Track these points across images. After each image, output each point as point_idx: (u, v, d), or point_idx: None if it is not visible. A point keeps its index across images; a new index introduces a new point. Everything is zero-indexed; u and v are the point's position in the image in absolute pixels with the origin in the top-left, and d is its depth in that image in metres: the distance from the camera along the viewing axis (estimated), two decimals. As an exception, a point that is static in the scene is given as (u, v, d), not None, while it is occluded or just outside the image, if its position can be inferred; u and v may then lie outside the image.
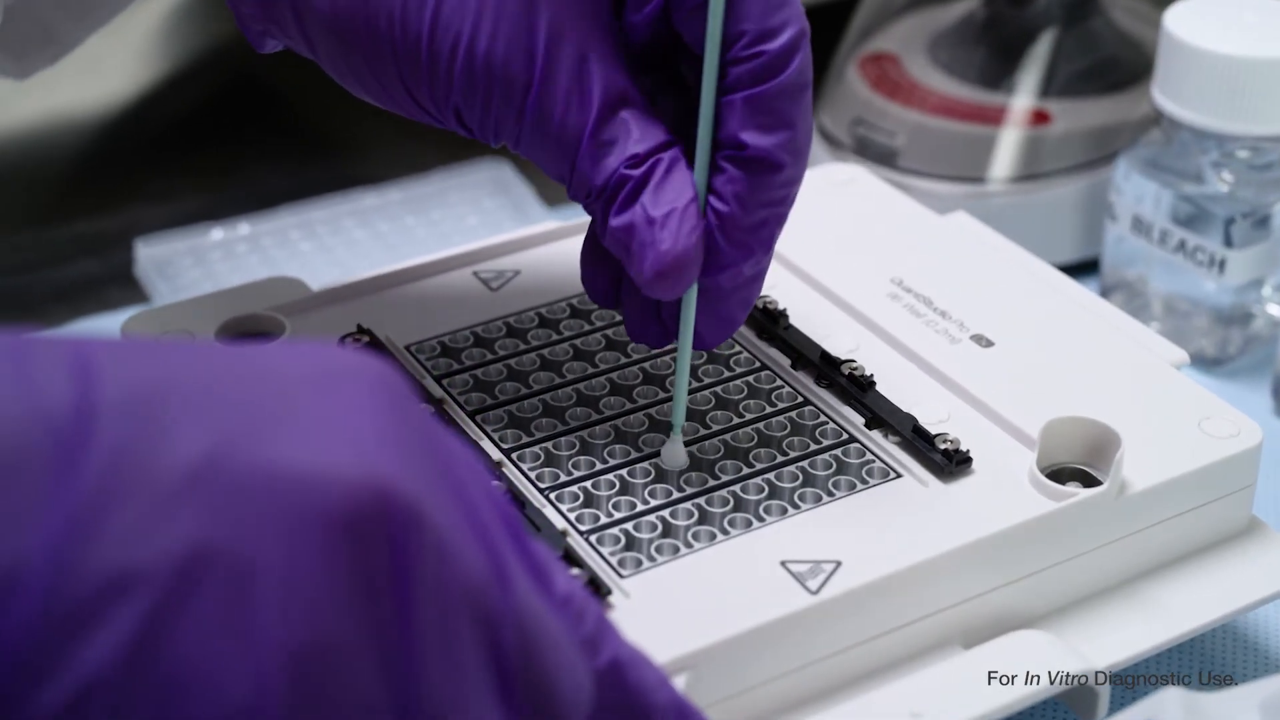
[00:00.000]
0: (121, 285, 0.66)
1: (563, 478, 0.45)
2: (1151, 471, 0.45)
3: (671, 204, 0.41)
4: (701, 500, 0.44)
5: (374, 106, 0.45)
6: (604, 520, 0.44)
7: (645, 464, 0.45)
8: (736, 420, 0.47)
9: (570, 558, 0.42)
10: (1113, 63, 0.69)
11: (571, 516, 0.44)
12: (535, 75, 0.42)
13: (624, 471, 0.45)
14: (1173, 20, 0.60)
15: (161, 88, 0.80)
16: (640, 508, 0.44)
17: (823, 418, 0.47)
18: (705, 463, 0.46)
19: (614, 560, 0.42)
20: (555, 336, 0.50)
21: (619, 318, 0.51)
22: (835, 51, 0.71)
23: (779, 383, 0.48)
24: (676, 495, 0.44)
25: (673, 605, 0.41)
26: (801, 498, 0.44)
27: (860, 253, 0.54)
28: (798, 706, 0.41)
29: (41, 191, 0.74)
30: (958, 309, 0.51)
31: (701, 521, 0.44)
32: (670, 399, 0.47)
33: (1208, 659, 0.49)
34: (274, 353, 0.31)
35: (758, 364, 0.49)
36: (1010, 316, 0.51)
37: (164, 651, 0.27)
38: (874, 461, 0.46)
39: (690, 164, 0.42)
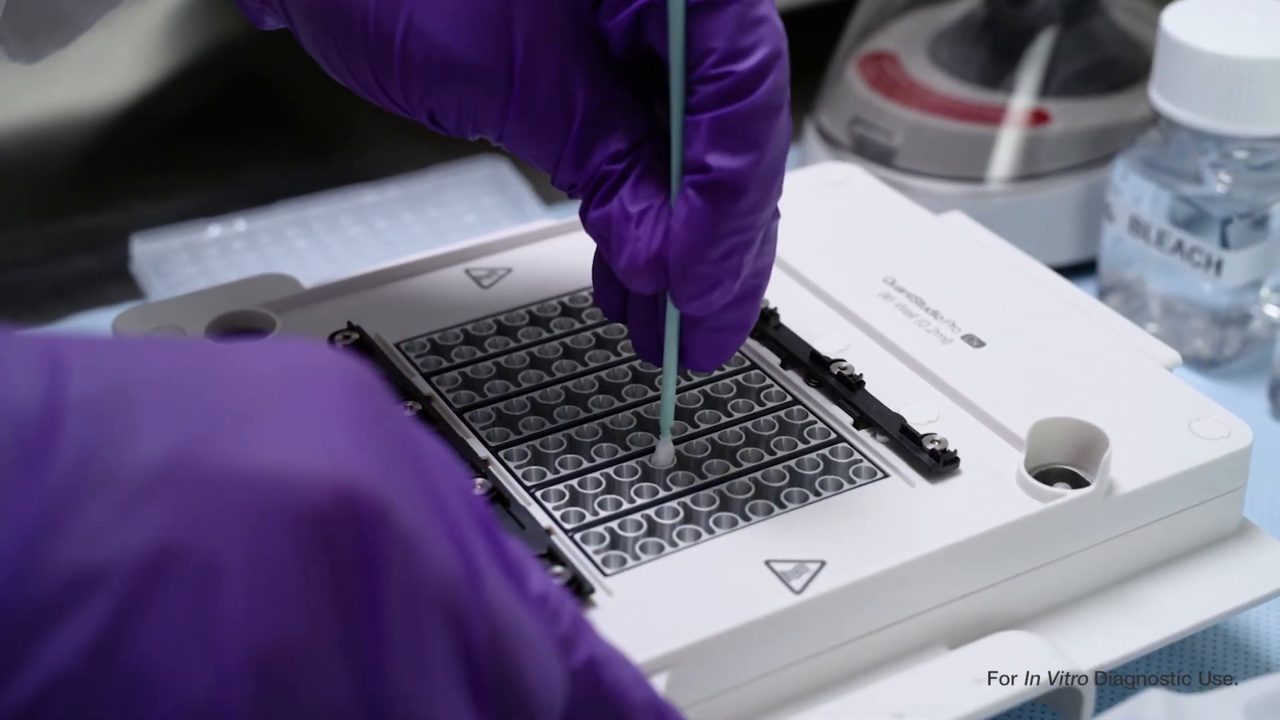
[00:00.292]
0: (118, 282, 0.66)
1: (549, 476, 0.45)
2: (1140, 473, 0.45)
3: (649, 201, 0.41)
4: (687, 499, 0.44)
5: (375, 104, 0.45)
6: (589, 519, 0.44)
7: (632, 462, 0.45)
8: (725, 419, 0.47)
9: (554, 556, 0.42)
10: (1112, 63, 0.68)
11: (557, 515, 0.44)
12: (515, 80, 0.41)
13: (611, 470, 0.45)
14: (1170, 20, 0.60)
15: (163, 86, 0.80)
16: (626, 506, 0.44)
17: (811, 417, 0.47)
18: (692, 461, 0.45)
19: (598, 559, 0.42)
20: (545, 335, 0.50)
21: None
22: (834, 51, 0.71)
23: (768, 382, 0.48)
24: (663, 494, 0.44)
25: (655, 604, 0.41)
26: (788, 497, 0.44)
27: (853, 252, 0.54)
28: (780, 706, 0.41)
29: (42, 188, 0.75)
30: (950, 309, 0.51)
31: (687, 520, 0.44)
32: (659, 398, 0.47)
33: (1198, 660, 0.49)
34: (245, 351, 0.31)
35: (747, 363, 0.49)
36: (1002, 317, 0.51)
37: (128, 649, 0.27)
38: (861, 461, 0.46)
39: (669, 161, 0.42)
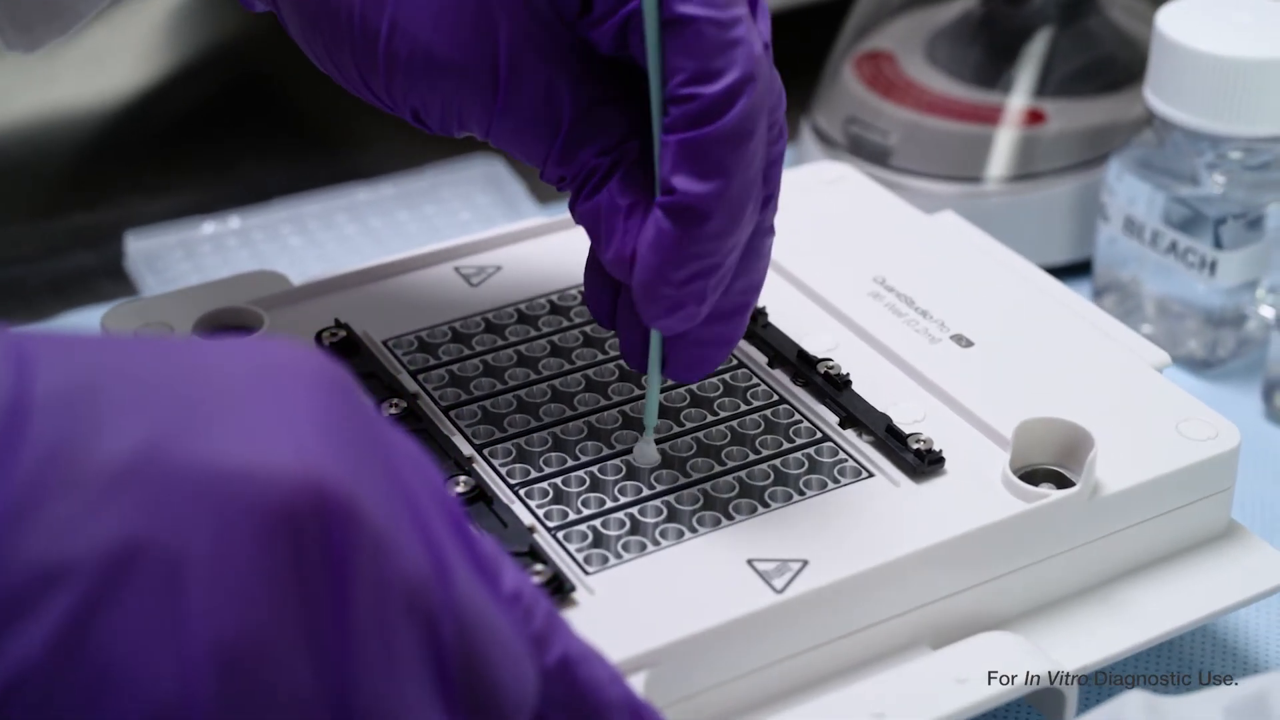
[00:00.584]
0: (113, 278, 0.66)
1: (533, 474, 0.45)
2: (1126, 473, 0.45)
3: (638, 194, 0.41)
4: (671, 498, 0.44)
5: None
6: (572, 517, 0.44)
7: (617, 461, 0.45)
8: (710, 418, 0.47)
9: (535, 554, 0.42)
10: (1109, 62, 0.68)
11: (540, 513, 0.44)
12: (501, 83, 0.41)
13: (595, 468, 0.45)
14: (1165, 20, 0.59)
15: (163, 83, 0.81)
16: (609, 505, 0.44)
17: (797, 416, 0.47)
18: (677, 460, 0.45)
19: (580, 557, 0.42)
20: (533, 333, 0.50)
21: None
22: (831, 50, 0.71)
23: (755, 381, 0.48)
24: (646, 492, 0.44)
25: (636, 602, 0.41)
26: (772, 496, 0.44)
27: (844, 251, 0.54)
28: (761, 706, 0.41)
29: (40, 185, 0.75)
30: (939, 308, 0.51)
31: (670, 519, 0.44)
32: (644, 396, 0.47)
33: (1187, 661, 0.49)
34: (216, 348, 0.31)
35: (734, 361, 0.49)
36: (992, 317, 0.51)
37: (94, 643, 0.27)
38: (846, 461, 0.46)
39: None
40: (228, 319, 0.50)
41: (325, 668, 0.29)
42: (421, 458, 0.32)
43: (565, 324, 0.51)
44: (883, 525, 0.43)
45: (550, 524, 0.43)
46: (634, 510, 0.44)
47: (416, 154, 0.72)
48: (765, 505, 0.44)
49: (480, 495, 0.44)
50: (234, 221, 0.67)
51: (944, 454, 0.45)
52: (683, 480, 0.45)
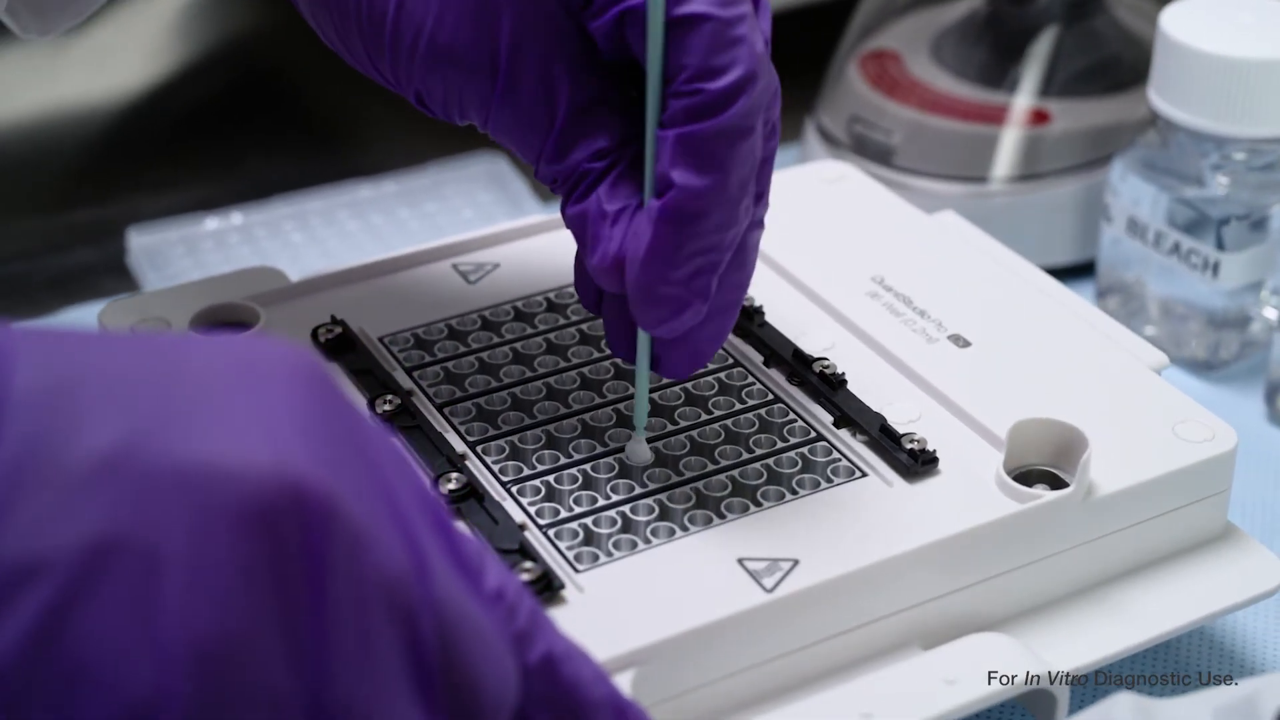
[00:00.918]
0: (115, 274, 0.66)
1: (526, 471, 0.45)
2: (1121, 475, 0.45)
3: (625, 201, 0.41)
4: (663, 496, 0.44)
5: (381, 99, 0.45)
6: (564, 514, 0.43)
7: (609, 459, 0.45)
8: (705, 416, 0.47)
9: (526, 551, 0.42)
10: (1114, 62, 0.68)
11: (532, 510, 0.44)
12: (501, 71, 0.41)
13: (588, 466, 0.45)
14: (1168, 21, 0.59)
15: (170, 80, 0.81)
16: (601, 503, 0.44)
17: (792, 415, 0.47)
18: (670, 458, 0.45)
19: (571, 555, 0.42)
20: (529, 330, 0.50)
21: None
22: (835, 49, 0.71)
23: (750, 380, 0.48)
24: (639, 491, 0.44)
25: (626, 601, 0.41)
26: (764, 495, 0.44)
27: (843, 250, 0.54)
28: (749, 705, 0.41)
29: (46, 181, 0.75)
30: (937, 308, 0.51)
31: (662, 517, 0.43)
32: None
33: (1183, 663, 0.49)
34: (196, 345, 0.31)
35: (730, 360, 0.49)
36: (990, 317, 0.51)
37: (67, 641, 0.27)
38: (840, 460, 0.45)
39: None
40: (224, 315, 0.50)
41: (302, 665, 0.29)
42: (402, 455, 0.32)
43: (562, 322, 0.51)
44: (875, 525, 0.43)
45: (541, 521, 0.43)
46: (625, 508, 0.44)
47: (422, 151, 0.72)
48: (757, 504, 0.44)
49: (472, 492, 0.43)
50: (236, 218, 0.67)
51: (938, 454, 0.45)
52: (675, 479, 0.45)
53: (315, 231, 0.67)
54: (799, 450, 0.46)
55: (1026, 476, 0.45)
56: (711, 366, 0.49)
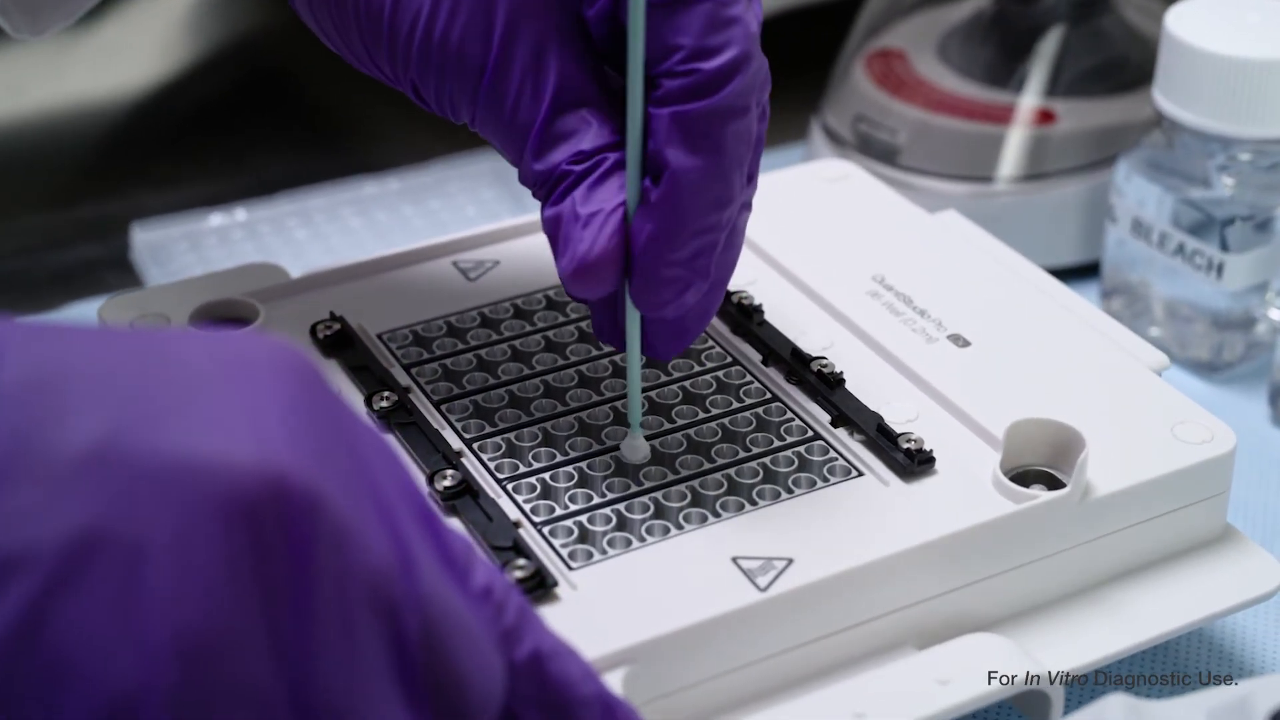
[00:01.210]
0: (119, 270, 0.66)
1: (521, 468, 0.45)
2: (1119, 476, 0.45)
3: (600, 205, 0.41)
4: (659, 494, 0.44)
5: (387, 97, 0.45)
6: (559, 512, 0.43)
7: (606, 457, 0.45)
8: (702, 415, 0.47)
9: (519, 549, 0.42)
10: (1121, 62, 0.68)
11: (527, 507, 0.44)
12: (490, 62, 0.42)
13: (584, 464, 0.45)
14: (1174, 21, 0.59)
15: (178, 78, 0.81)
16: (596, 500, 0.44)
17: (789, 414, 0.47)
18: (666, 457, 0.45)
19: (565, 552, 0.42)
20: (528, 328, 0.50)
21: (592, 310, 0.51)
22: (842, 48, 0.71)
23: (748, 378, 0.48)
24: (634, 489, 0.44)
25: (619, 599, 0.41)
26: (760, 494, 0.44)
27: (844, 249, 0.54)
28: (742, 704, 0.41)
29: (53, 176, 0.75)
30: (937, 308, 0.51)
31: (657, 516, 0.43)
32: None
33: (1181, 665, 0.49)
34: (183, 340, 0.31)
35: (729, 359, 0.49)
36: (990, 317, 0.51)
37: (50, 634, 0.27)
38: (836, 460, 0.45)
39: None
40: (223, 311, 0.50)
41: (285, 659, 0.29)
42: (389, 451, 0.32)
43: (560, 319, 0.50)
44: (870, 524, 0.43)
45: (536, 519, 0.43)
46: (621, 506, 0.44)
47: (427, 148, 0.72)
48: (753, 503, 0.44)
49: (467, 489, 0.43)
50: (240, 214, 0.67)
51: (935, 454, 0.45)
52: (671, 477, 0.45)
53: (319, 228, 0.67)
54: (795, 449, 0.46)
55: (1024, 477, 0.45)
56: (709, 364, 0.49)
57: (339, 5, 0.43)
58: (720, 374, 0.48)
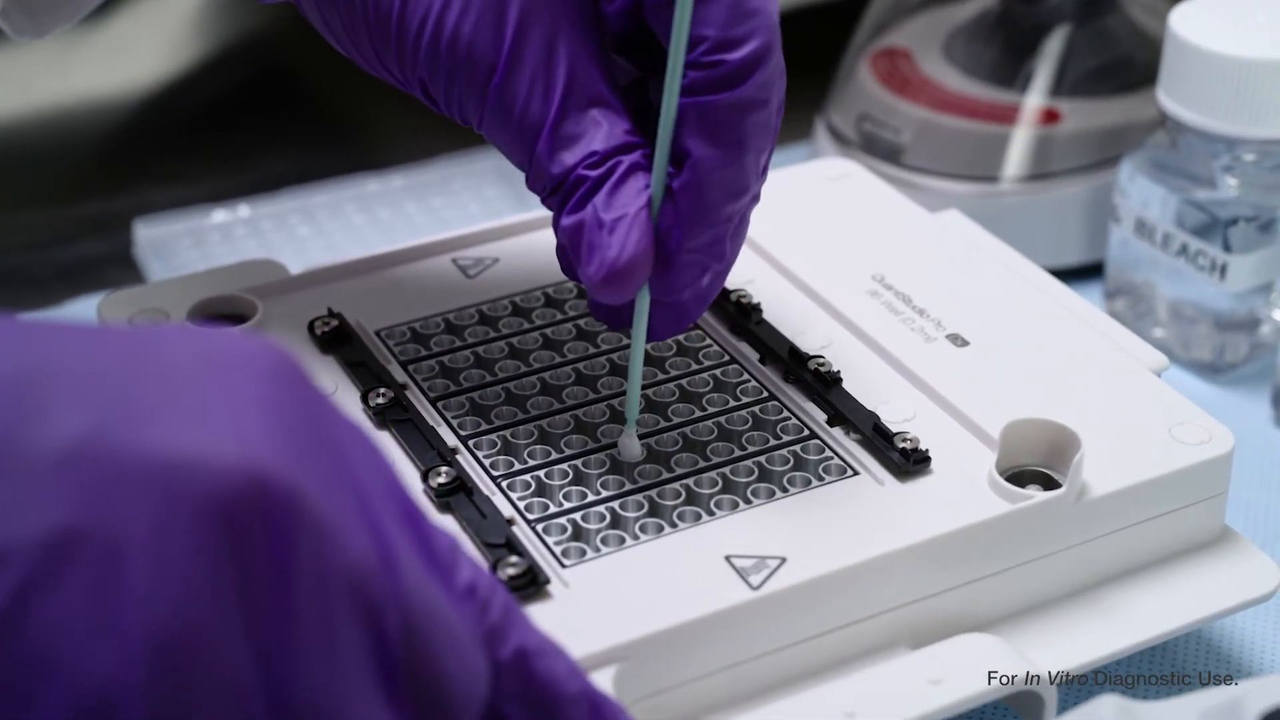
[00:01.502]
0: (122, 266, 0.66)
1: (517, 466, 0.45)
2: (1115, 476, 0.44)
3: (624, 209, 0.41)
4: (653, 492, 0.44)
5: (393, 95, 0.45)
6: (553, 509, 0.43)
7: (601, 455, 0.45)
8: (698, 413, 0.47)
9: (512, 546, 0.42)
10: (1127, 62, 0.68)
11: (521, 505, 0.43)
12: (501, 60, 0.41)
13: (579, 461, 0.45)
14: (1178, 20, 0.59)
15: (186, 75, 0.81)
16: (591, 498, 0.44)
17: (785, 413, 0.47)
18: (662, 455, 0.45)
19: (558, 550, 0.42)
20: (526, 325, 0.50)
21: (592, 308, 0.51)
22: (847, 46, 0.70)
23: (745, 377, 0.48)
24: (629, 487, 0.44)
25: (610, 596, 0.41)
26: (755, 493, 0.44)
27: (844, 248, 0.53)
28: (733, 703, 0.41)
29: (60, 172, 0.75)
30: (936, 307, 0.51)
31: (651, 514, 0.43)
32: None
33: (1180, 666, 0.49)
34: (167, 337, 0.30)
35: (726, 357, 0.49)
36: (989, 317, 0.50)
37: (29, 629, 0.27)
38: (832, 459, 0.45)
39: (648, 164, 0.42)
40: (222, 307, 0.50)
41: (263, 657, 0.29)
42: (372, 449, 0.32)
43: (559, 317, 0.50)
44: (864, 524, 0.43)
45: (530, 516, 0.43)
46: (615, 504, 0.44)
47: (433, 146, 0.72)
48: (747, 501, 0.44)
49: (461, 486, 0.43)
50: (243, 210, 0.67)
51: (931, 453, 0.45)
52: (666, 475, 0.44)
53: (321, 225, 0.67)
54: (791, 448, 0.45)
55: (1020, 477, 0.45)
56: (707, 363, 0.49)
57: (347, 7, 0.43)
58: (717, 372, 0.48)
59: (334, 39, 0.44)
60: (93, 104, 0.79)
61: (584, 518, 0.43)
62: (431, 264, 0.53)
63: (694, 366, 0.48)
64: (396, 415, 0.46)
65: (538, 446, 0.45)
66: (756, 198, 0.43)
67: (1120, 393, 0.48)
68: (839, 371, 0.47)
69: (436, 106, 0.44)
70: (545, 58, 0.41)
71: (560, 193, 0.42)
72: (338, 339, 0.49)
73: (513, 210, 0.68)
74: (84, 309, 0.63)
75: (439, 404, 0.47)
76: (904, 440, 0.45)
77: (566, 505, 0.44)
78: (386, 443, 0.45)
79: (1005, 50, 0.68)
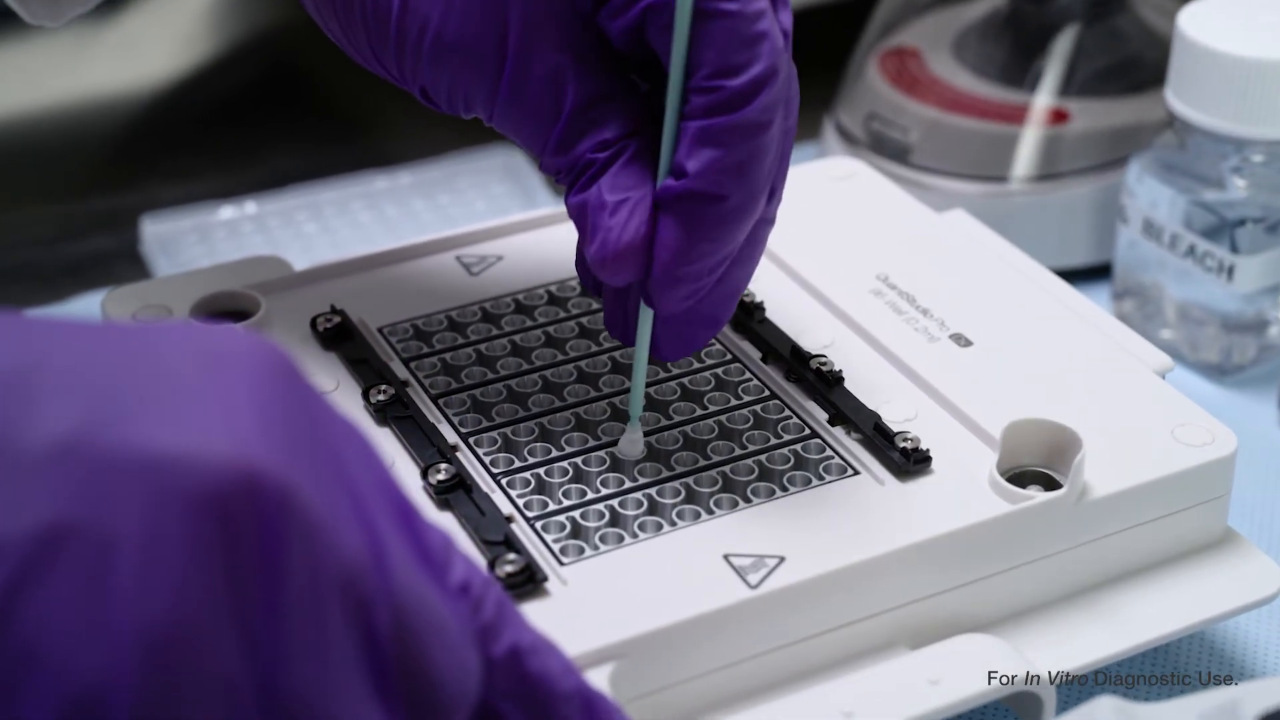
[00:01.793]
0: (130, 262, 0.66)
1: (517, 463, 0.45)
2: (1116, 477, 0.44)
3: (627, 192, 0.41)
4: (653, 491, 0.44)
5: (401, 92, 0.45)
6: (552, 507, 0.43)
7: (601, 453, 0.45)
8: (699, 412, 0.47)
9: (510, 544, 0.42)
10: (1135, 62, 0.67)
11: (520, 502, 0.43)
12: (508, 64, 0.41)
13: (579, 459, 0.45)
14: (1186, 21, 0.59)
15: (198, 72, 0.81)
16: (590, 496, 0.44)
17: (787, 412, 0.47)
18: (662, 453, 0.45)
19: (557, 547, 0.42)
20: (529, 323, 0.50)
21: (594, 305, 0.51)
22: (856, 45, 0.70)
23: (747, 376, 0.48)
24: (629, 485, 0.44)
25: (608, 595, 0.41)
26: (754, 492, 0.44)
27: (849, 248, 0.53)
28: (731, 702, 0.41)
29: (70, 168, 0.75)
30: (940, 307, 0.51)
31: (650, 512, 0.43)
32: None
33: (1180, 667, 0.48)
34: (160, 333, 0.30)
35: (729, 356, 0.49)
36: (993, 317, 0.50)
37: (18, 624, 0.27)
38: (833, 458, 0.45)
39: (655, 156, 0.42)
40: (225, 303, 0.50)
41: (253, 653, 0.29)
42: (365, 446, 0.32)
43: (562, 315, 0.50)
44: (864, 523, 0.43)
45: (529, 514, 0.43)
46: (614, 502, 0.43)
47: (440, 143, 0.72)
48: (747, 500, 0.44)
49: (460, 483, 0.43)
50: (250, 207, 0.67)
51: (932, 453, 0.45)
52: (665, 473, 0.44)
53: (328, 222, 0.67)
54: (792, 447, 0.45)
55: (1021, 478, 0.45)
56: (709, 361, 0.48)
57: (344, 6, 0.43)
58: (719, 371, 0.48)
59: (330, 33, 0.44)
60: (103, 101, 0.79)
61: (583, 515, 0.43)
62: (435, 261, 0.53)
63: (695, 365, 0.48)
64: (397, 412, 0.46)
65: (538, 444, 0.45)
66: (769, 221, 0.43)
67: (1123, 393, 0.47)
68: (841, 371, 0.47)
69: (436, 106, 0.44)
70: (554, 55, 0.41)
71: (571, 174, 0.42)
72: (340, 336, 0.49)
73: (519, 208, 0.68)
74: (91, 304, 0.63)
75: (440, 401, 0.47)
76: (905, 440, 0.45)
77: (566, 503, 0.44)
78: (387, 439, 0.45)
79: (1014, 50, 0.68)
